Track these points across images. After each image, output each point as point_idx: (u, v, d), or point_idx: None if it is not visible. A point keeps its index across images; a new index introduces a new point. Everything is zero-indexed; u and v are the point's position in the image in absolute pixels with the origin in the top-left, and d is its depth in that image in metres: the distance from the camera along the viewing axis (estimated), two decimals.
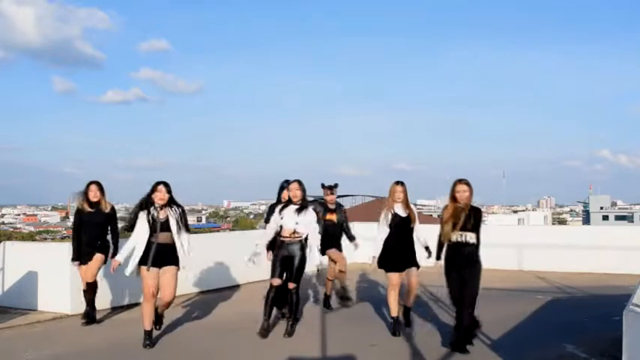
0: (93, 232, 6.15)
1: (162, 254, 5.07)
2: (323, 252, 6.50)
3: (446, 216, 5.03)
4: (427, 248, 5.61)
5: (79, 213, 6.20)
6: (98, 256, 6.13)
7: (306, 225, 5.50)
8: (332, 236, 6.66)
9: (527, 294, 7.67)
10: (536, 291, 8.01)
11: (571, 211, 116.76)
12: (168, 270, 5.10)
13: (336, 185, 6.81)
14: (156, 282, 5.09)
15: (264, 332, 5.32)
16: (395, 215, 5.57)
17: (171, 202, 5.17)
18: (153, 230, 5.07)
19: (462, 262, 4.94)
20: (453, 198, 5.03)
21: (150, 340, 5.12)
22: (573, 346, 4.97)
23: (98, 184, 6.22)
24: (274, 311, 5.67)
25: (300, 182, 5.59)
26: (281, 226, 5.51)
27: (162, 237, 5.07)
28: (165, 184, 5.16)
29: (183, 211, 5.24)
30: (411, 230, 5.62)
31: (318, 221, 6.30)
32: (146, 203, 5.11)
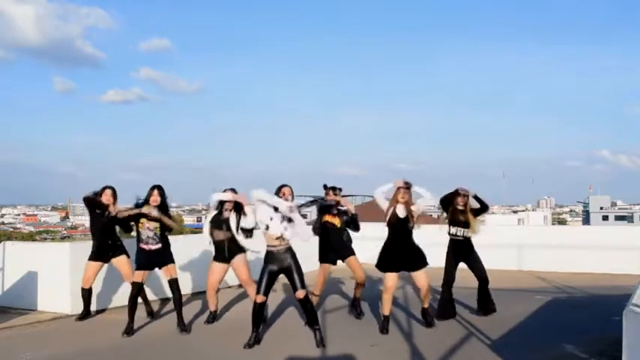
0: (103, 233, 6.30)
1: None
2: (334, 261, 6.35)
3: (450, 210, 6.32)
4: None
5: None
6: (121, 259, 6.41)
7: (296, 226, 5.14)
8: (336, 242, 6.24)
9: (527, 294, 7.67)
10: (536, 291, 8.02)
11: (571, 211, 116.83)
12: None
13: (340, 189, 6.31)
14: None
15: (250, 345, 5.13)
16: (394, 215, 5.52)
17: (236, 207, 5.96)
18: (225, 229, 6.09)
19: (460, 251, 6.24)
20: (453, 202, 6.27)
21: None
22: (573, 346, 4.96)
23: (112, 190, 6.33)
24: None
25: (291, 188, 5.49)
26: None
27: (226, 234, 6.03)
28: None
29: (237, 214, 5.95)
30: (410, 231, 5.53)
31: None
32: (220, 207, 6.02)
